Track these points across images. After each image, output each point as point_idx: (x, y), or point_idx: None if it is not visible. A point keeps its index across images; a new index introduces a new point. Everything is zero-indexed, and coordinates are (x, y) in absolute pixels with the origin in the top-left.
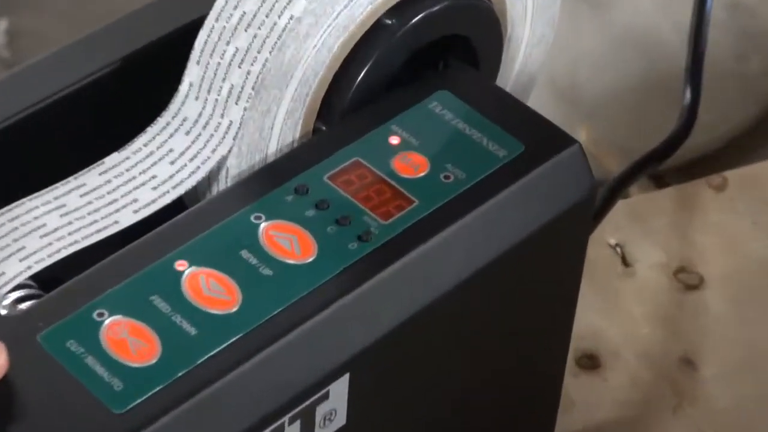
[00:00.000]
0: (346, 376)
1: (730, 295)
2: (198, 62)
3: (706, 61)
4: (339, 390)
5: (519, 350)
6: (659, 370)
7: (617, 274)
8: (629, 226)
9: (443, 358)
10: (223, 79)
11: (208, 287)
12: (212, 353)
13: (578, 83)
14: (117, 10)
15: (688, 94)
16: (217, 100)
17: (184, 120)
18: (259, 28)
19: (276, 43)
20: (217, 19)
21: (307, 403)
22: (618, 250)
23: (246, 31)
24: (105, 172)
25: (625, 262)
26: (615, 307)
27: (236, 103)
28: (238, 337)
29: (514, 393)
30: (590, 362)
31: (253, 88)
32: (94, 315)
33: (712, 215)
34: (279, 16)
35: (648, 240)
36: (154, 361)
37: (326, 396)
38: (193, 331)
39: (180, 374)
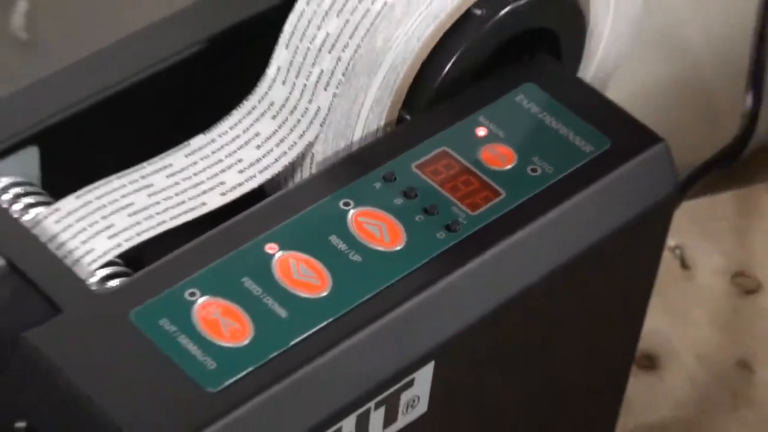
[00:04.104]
0: (431, 364)
1: None
2: (287, 46)
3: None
4: (424, 377)
5: (591, 346)
6: (716, 372)
7: (676, 277)
8: (689, 229)
9: (521, 350)
10: (313, 64)
11: (298, 271)
12: (303, 336)
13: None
14: None
15: (749, 100)
16: (305, 85)
17: (271, 104)
18: (352, 13)
19: (369, 29)
20: (308, 3)
21: (394, 389)
22: (677, 252)
23: (338, 16)
24: (191, 153)
25: (684, 264)
26: (674, 308)
27: (325, 89)
28: (328, 321)
29: (581, 389)
30: (648, 362)
31: (343, 74)
32: (186, 294)
33: None
34: (372, 2)
35: (707, 243)
36: (246, 341)
37: (411, 383)
38: (284, 313)
39: (272, 356)
